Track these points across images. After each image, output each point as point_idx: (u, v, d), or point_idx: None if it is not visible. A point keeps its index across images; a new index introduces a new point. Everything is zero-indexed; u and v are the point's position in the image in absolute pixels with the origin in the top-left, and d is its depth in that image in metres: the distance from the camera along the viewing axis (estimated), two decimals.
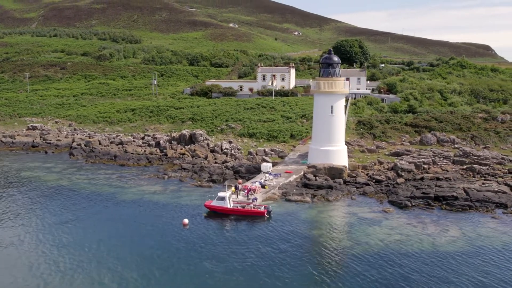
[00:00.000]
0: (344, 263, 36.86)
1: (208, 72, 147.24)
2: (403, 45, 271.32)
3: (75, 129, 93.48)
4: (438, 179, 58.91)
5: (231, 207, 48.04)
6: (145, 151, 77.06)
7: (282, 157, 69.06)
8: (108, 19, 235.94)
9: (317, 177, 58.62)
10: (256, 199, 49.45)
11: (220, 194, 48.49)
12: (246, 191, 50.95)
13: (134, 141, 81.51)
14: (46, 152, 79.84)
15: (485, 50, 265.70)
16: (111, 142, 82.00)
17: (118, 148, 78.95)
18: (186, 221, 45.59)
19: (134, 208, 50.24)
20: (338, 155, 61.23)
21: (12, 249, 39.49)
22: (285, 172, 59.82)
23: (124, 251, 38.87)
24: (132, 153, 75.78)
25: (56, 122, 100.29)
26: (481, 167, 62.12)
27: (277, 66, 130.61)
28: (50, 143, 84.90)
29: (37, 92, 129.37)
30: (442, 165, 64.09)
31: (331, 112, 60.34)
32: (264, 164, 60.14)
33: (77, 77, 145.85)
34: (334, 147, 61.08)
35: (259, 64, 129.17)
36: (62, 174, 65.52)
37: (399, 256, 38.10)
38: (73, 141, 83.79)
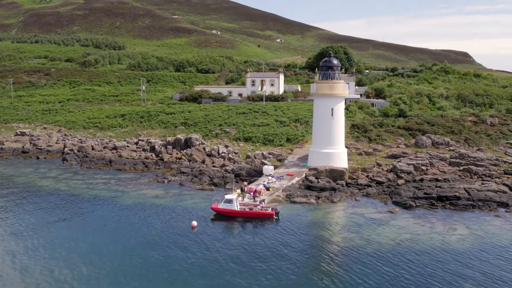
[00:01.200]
0: (360, 261, 36.93)
1: (195, 78, 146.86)
2: (384, 52, 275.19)
3: (65, 135, 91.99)
4: (437, 180, 59.68)
5: (238, 209, 47.81)
6: (140, 156, 76.24)
7: (280, 160, 69.11)
8: (90, 26, 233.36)
9: (319, 180, 58.83)
10: (264, 200, 49.37)
11: (227, 196, 48.23)
12: (252, 193, 50.77)
13: (128, 146, 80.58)
14: (38, 158, 78.33)
15: (463, 57, 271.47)
16: (105, 147, 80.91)
17: (112, 153, 77.92)
18: (194, 223, 45.17)
19: (139, 212, 49.54)
20: (339, 157, 61.59)
21: (14, 255, 38.51)
22: (287, 174, 59.88)
23: (137, 255, 38.22)
24: (127, 158, 74.91)
25: (45, 128, 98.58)
26: (478, 168, 63.19)
27: (266, 72, 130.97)
28: (41, 149, 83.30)
29: (21, 98, 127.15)
30: (439, 167, 64.99)
31: (332, 115, 60.72)
32: (266, 167, 60.12)
33: (61, 83, 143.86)
34: (334, 150, 61.43)
35: (248, 70, 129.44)
36: (59, 179, 64.31)
37: (413, 254, 38.41)
38: (65, 146, 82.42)
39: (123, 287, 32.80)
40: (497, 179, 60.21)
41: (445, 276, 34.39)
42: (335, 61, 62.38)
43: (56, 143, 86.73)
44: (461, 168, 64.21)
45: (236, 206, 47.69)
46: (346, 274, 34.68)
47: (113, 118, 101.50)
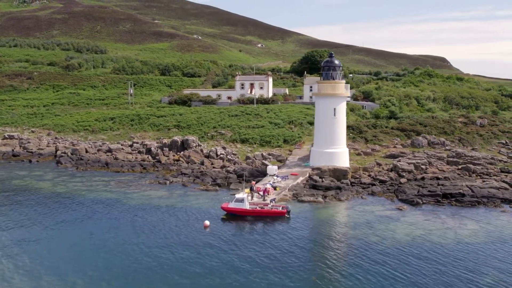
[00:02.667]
0: (379, 256, 37.05)
1: (181, 82, 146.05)
2: (363, 57, 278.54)
3: (56, 138, 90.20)
4: (437, 178, 60.58)
5: (250, 208, 47.60)
6: (136, 158, 75.24)
7: (280, 161, 69.11)
8: (70, 30, 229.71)
9: (323, 179, 59.05)
10: (274, 199, 49.31)
11: (238, 195, 47.99)
12: (262, 192, 50.60)
13: (123, 149, 79.44)
14: (30, 161, 76.48)
15: (441, 62, 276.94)
16: (99, 150, 79.61)
17: (107, 155, 76.72)
18: (207, 223, 44.71)
19: (147, 213, 48.72)
20: (341, 157, 61.98)
21: (24, 260, 37.50)
22: (291, 174, 59.91)
23: (154, 256, 37.54)
24: (124, 160, 73.83)
25: (33, 132, 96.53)
26: (476, 166, 64.37)
27: (254, 75, 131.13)
28: (32, 152, 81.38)
29: (4, 102, 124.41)
30: (438, 166, 65.97)
31: (334, 115, 61.07)
32: (270, 166, 60.00)
33: (44, 87, 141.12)
34: (337, 149, 61.79)
35: (237, 73, 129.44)
36: (56, 181, 62.89)
37: (430, 249, 38.73)
38: (57, 149, 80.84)
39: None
40: (495, 177, 61.47)
41: (467, 268, 34.81)
42: (336, 61, 62.78)
43: (47, 146, 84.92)
44: (460, 167, 65.30)
45: (247, 205, 47.46)
46: (366, 269, 34.71)
47: (102, 121, 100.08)
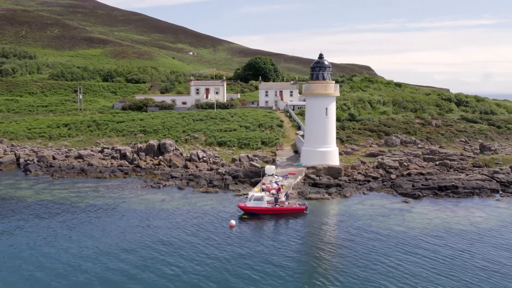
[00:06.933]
0: (414, 245, 38.43)
1: (126, 88, 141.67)
2: (295, 66, 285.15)
3: (12, 145, 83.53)
4: (421, 174, 63.70)
5: (270, 206, 47.26)
6: (112, 163, 71.72)
7: (266, 162, 69.07)
8: None
9: (320, 177, 59.91)
10: (288, 196, 49.29)
11: (257, 194, 47.45)
12: (276, 190, 50.31)
13: (93, 155, 75.34)
14: None
15: (367, 71, 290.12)
16: (67, 156, 74.93)
17: (79, 162, 72.45)
18: (233, 222, 43.85)
19: (158, 218, 46.52)
20: (333, 155, 63.35)
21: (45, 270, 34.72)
22: (289, 173, 60.13)
23: (190, 261, 36.19)
24: (98, 166, 70.06)
25: None
26: (452, 162, 68.44)
27: (210, 80, 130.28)
28: None
29: None
30: (417, 162, 69.31)
31: (326, 114, 62.30)
32: (268, 167, 59.80)
33: None
34: (329, 148, 63.08)
35: (191, 78, 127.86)
36: (37, 189, 58.27)
37: (456, 234, 41.06)
38: (19, 157, 74.97)
39: None
40: (470, 171, 65.73)
41: (493, 248, 37.11)
42: (326, 62, 64.17)
43: (5, 154, 78.43)
44: (437, 163, 69.06)
45: (266, 204, 47.07)
46: (409, 256, 35.94)
47: (56, 128, 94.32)
